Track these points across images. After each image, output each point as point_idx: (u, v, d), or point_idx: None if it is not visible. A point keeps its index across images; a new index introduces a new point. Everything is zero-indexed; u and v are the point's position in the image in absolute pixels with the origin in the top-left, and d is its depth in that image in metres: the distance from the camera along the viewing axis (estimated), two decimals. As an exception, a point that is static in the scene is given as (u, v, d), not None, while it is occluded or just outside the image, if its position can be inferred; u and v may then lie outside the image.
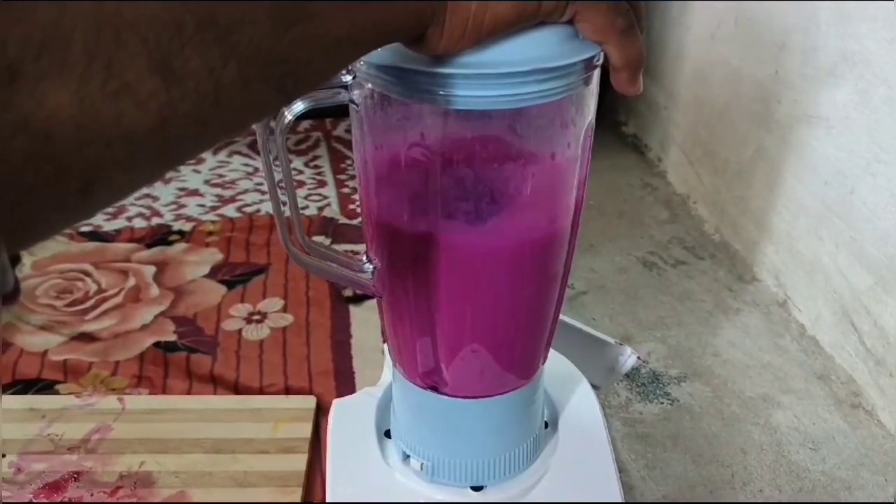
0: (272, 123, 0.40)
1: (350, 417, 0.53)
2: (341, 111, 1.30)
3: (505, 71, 0.35)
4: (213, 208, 1.10)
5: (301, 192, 1.14)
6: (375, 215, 0.41)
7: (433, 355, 0.44)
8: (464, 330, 0.43)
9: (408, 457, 0.50)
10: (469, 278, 0.41)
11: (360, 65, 0.38)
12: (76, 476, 0.67)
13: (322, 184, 1.17)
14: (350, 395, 0.56)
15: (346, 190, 1.15)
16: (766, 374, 0.83)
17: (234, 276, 0.95)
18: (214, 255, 1.00)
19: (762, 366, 0.84)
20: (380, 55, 0.36)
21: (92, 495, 0.66)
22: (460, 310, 0.42)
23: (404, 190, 0.39)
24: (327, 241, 1.00)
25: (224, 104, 0.24)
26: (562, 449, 0.51)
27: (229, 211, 1.10)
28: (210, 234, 1.04)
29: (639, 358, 0.61)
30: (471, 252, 0.40)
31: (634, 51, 0.36)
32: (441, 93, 0.35)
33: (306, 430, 0.72)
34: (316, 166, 1.22)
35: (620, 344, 0.61)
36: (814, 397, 0.79)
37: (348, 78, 0.39)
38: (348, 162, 1.23)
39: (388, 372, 0.57)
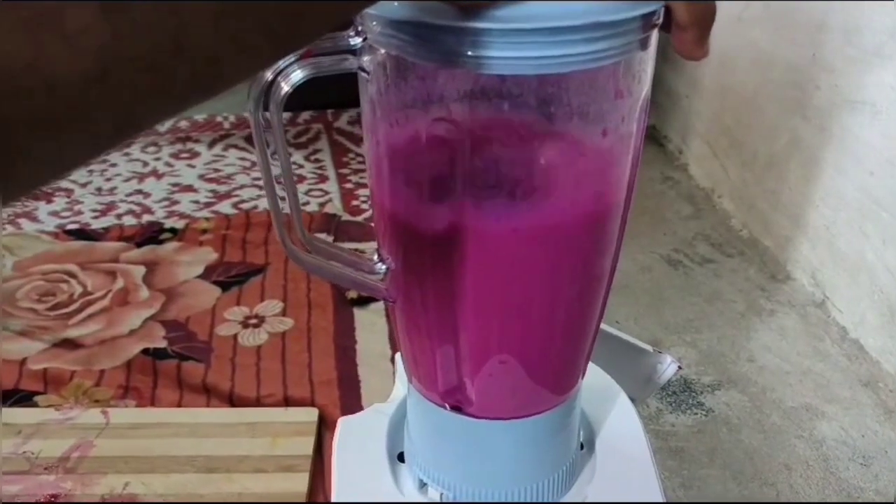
0: (264, 96, 0.33)
1: (358, 438, 0.47)
2: (344, 99, 1.23)
3: (549, 26, 0.28)
4: (208, 204, 1.04)
5: (302, 188, 1.07)
6: (389, 206, 0.35)
7: (456, 370, 0.38)
8: (492, 339, 0.36)
9: (424, 485, 0.43)
10: (500, 278, 0.35)
11: (372, 23, 0.31)
12: (53, 499, 0.61)
13: (323, 178, 1.10)
14: (358, 413, 0.49)
15: (348, 185, 1.09)
16: (807, 381, 0.76)
17: (229, 277, 0.89)
18: (208, 255, 0.93)
19: (802, 372, 0.77)
20: (395, 8, 0.30)
21: (70, 521, 0.60)
22: (489, 316, 0.35)
23: (425, 175, 0.33)
24: (329, 239, 0.94)
25: (187, 51, 0.18)
26: (600, 474, 0.45)
27: (225, 207, 1.03)
28: (204, 231, 0.98)
29: (679, 367, 0.55)
30: (503, 246, 0.34)
31: (705, 5, 0.30)
32: (470, 54, 0.29)
33: (307, 445, 0.66)
34: (317, 160, 1.16)
35: (659, 351, 0.55)
36: (861, 406, 0.73)
37: (357, 40, 0.32)
38: (351, 155, 1.16)
39: (400, 386, 0.50)
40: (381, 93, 0.33)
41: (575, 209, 0.34)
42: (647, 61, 0.33)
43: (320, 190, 1.08)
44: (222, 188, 1.08)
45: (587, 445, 0.47)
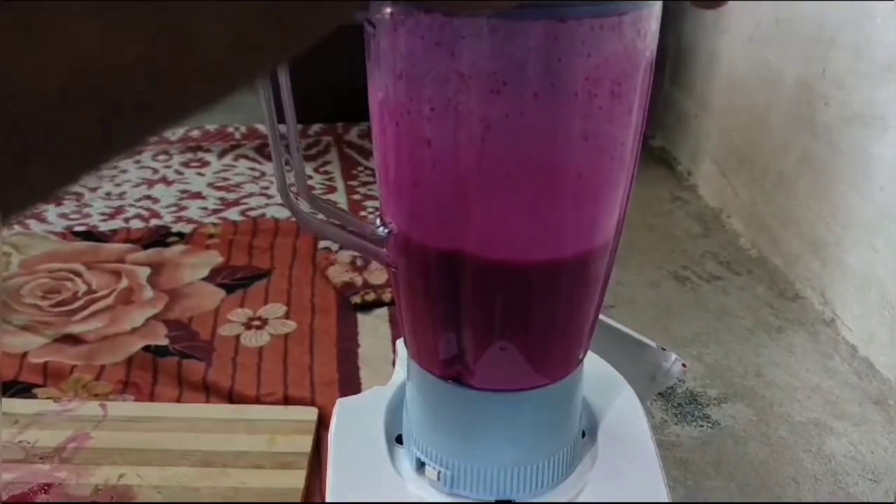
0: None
1: (356, 419, 0.46)
2: (354, 113, 1.24)
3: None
4: (216, 211, 1.04)
5: (309, 198, 1.07)
6: (393, 165, 0.35)
7: (456, 338, 0.37)
8: (495, 306, 0.36)
9: (423, 464, 0.42)
10: (504, 238, 0.34)
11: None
12: (46, 488, 0.60)
13: (332, 189, 1.10)
14: (356, 395, 0.48)
15: (356, 196, 1.09)
16: (815, 397, 0.75)
17: (234, 280, 0.88)
18: (214, 258, 0.93)
19: (811, 388, 0.76)
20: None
21: (63, 510, 0.59)
22: (491, 281, 0.35)
23: (431, 131, 0.32)
24: (335, 247, 0.94)
25: (190, 52, 0.15)
26: (602, 462, 0.44)
27: (232, 214, 1.03)
28: (211, 236, 0.98)
29: (684, 365, 0.54)
30: (507, 205, 0.33)
31: None
32: None
33: (306, 443, 0.65)
34: (326, 172, 1.16)
35: (663, 349, 0.54)
36: (871, 423, 0.71)
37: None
38: (360, 168, 1.17)
39: (401, 371, 0.49)
40: (387, 46, 0.33)
41: (583, 158, 0.33)
42: (654, 19, 0.33)
43: (328, 200, 1.07)
44: (231, 196, 1.08)
45: (589, 434, 0.46)
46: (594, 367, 0.47)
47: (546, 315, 0.36)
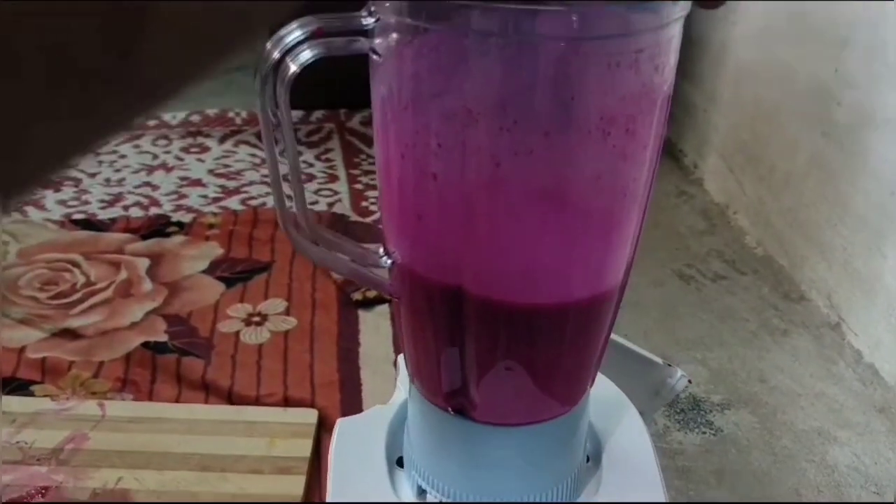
0: (272, 71, 0.32)
1: (356, 441, 0.45)
2: (357, 100, 1.22)
3: None
4: (216, 199, 1.03)
5: (311, 187, 1.06)
6: (397, 196, 0.34)
7: (461, 372, 0.36)
8: (500, 341, 0.35)
9: (424, 491, 0.42)
10: (511, 274, 0.33)
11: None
12: (43, 491, 0.60)
13: (333, 178, 1.09)
14: (357, 415, 0.47)
15: (358, 186, 1.07)
16: (819, 404, 0.74)
17: (234, 274, 0.87)
18: (214, 250, 0.92)
19: (815, 395, 0.75)
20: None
21: (60, 514, 0.58)
22: (497, 315, 0.34)
23: (437, 164, 0.31)
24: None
25: None
26: (605, 488, 0.43)
27: (233, 203, 1.02)
28: (211, 226, 0.97)
29: (689, 381, 0.53)
30: (517, 238, 0.32)
31: None
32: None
33: (306, 448, 0.64)
34: (328, 160, 1.14)
35: (669, 364, 0.53)
36: (875, 433, 0.71)
37: (370, 21, 0.31)
38: (362, 156, 1.15)
39: (402, 389, 0.48)
40: (393, 75, 0.32)
41: (591, 204, 0.32)
42: (673, 52, 0.32)
43: (330, 190, 1.06)
44: (231, 184, 1.07)
45: (593, 458, 0.45)
46: (599, 387, 0.46)
47: (553, 353, 0.36)
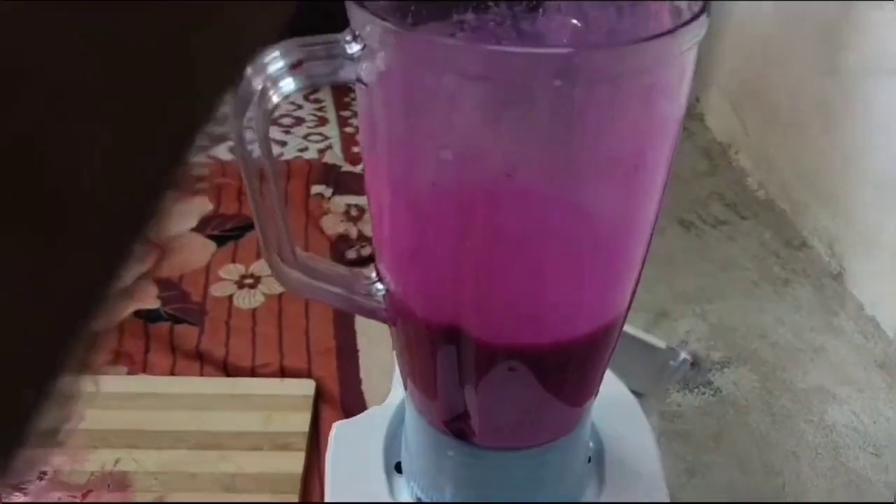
0: (252, 106, 0.29)
1: (353, 445, 0.45)
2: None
3: None
4: (202, 148, 0.99)
5: (300, 132, 1.03)
6: (388, 230, 0.32)
7: (461, 401, 0.35)
8: (500, 367, 0.34)
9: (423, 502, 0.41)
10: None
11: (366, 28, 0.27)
12: (41, 476, 0.59)
13: (323, 121, 1.06)
14: (353, 419, 0.47)
15: (349, 129, 1.04)
16: (819, 360, 0.74)
17: (224, 231, 0.85)
18: (204, 205, 0.89)
19: (814, 350, 0.75)
20: None
21: (59, 499, 0.58)
22: (496, 360, 0.32)
23: (432, 207, 0.29)
24: (328, 192, 0.90)
25: None
26: (608, 491, 0.43)
27: (221, 151, 0.99)
28: (199, 179, 0.94)
29: (692, 364, 0.52)
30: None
31: None
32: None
33: (304, 421, 0.64)
34: (316, 100, 1.11)
35: (671, 348, 0.52)
36: (875, 390, 0.71)
37: (355, 48, 0.28)
38: (353, 96, 1.11)
39: (398, 386, 0.47)
40: (382, 104, 0.29)
41: (596, 245, 0.31)
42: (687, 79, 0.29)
43: (319, 134, 1.03)
44: (217, 129, 1.03)
45: (595, 459, 0.45)
46: (603, 384, 0.45)
47: (557, 382, 0.34)
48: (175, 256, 0.82)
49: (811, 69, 0.85)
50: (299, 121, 1.05)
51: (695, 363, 0.52)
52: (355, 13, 0.27)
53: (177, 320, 0.74)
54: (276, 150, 1.00)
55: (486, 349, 0.32)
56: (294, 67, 0.28)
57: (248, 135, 0.30)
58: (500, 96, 0.25)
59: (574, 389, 0.35)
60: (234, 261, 0.82)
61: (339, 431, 0.45)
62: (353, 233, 0.84)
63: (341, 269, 0.36)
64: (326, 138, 1.02)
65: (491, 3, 0.32)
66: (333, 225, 0.85)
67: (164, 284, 0.78)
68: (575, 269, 0.30)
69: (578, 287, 0.30)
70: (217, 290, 0.78)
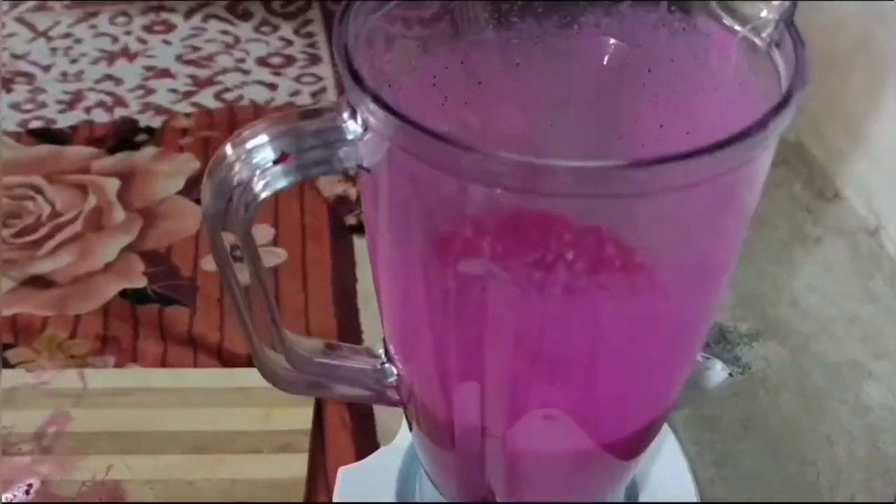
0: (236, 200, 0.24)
1: (362, 491, 0.40)
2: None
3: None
4: (187, 94, 0.92)
5: (291, 73, 0.95)
6: (400, 327, 0.26)
7: (481, 488, 0.30)
8: (527, 473, 0.29)
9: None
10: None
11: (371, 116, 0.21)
12: (27, 489, 0.56)
13: (315, 60, 0.98)
14: (361, 462, 0.42)
15: (345, 68, 0.96)
16: (853, 330, 0.69)
17: (213, 195, 0.79)
18: (190, 163, 0.83)
19: (848, 319, 0.70)
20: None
21: (49, 513, 0.55)
22: (520, 463, 0.27)
23: (448, 323, 0.24)
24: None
25: None
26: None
27: (206, 98, 0.92)
28: (184, 131, 0.87)
29: (730, 374, 0.48)
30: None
31: None
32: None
33: (305, 418, 0.60)
34: (308, 34, 1.02)
35: (708, 357, 0.47)
36: (913, 365, 0.66)
37: (357, 130, 0.22)
38: (347, 30, 1.03)
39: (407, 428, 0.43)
40: (391, 196, 0.23)
41: (637, 357, 0.25)
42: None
43: (312, 75, 0.96)
44: (203, 73, 0.96)
45: (629, 495, 0.41)
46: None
47: (592, 479, 0.29)
48: (161, 224, 0.77)
49: (854, 5, 0.76)
50: (290, 60, 0.97)
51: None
52: (354, 93, 0.21)
53: (166, 301, 0.69)
54: (265, 94, 0.93)
55: (507, 453, 0.27)
56: (282, 160, 0.23)
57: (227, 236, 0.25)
58: (542, 206, 0.20)
59: (616, 476, 0.30)
60: (224, 228, 0.76)
61: (346, 477, 0.41)
62: (353, 194, 0.78)
63: (343, 350, 0.30)
64: (320, 79, 0.95)
65: (516, 20, 0.26)
66: (331, 185, 0.79)
67: (150, 258, 0.73)
68: (606, 382, 0.24)
69: (610, 398, 0.25)
70: (208, 264, 0.73)
